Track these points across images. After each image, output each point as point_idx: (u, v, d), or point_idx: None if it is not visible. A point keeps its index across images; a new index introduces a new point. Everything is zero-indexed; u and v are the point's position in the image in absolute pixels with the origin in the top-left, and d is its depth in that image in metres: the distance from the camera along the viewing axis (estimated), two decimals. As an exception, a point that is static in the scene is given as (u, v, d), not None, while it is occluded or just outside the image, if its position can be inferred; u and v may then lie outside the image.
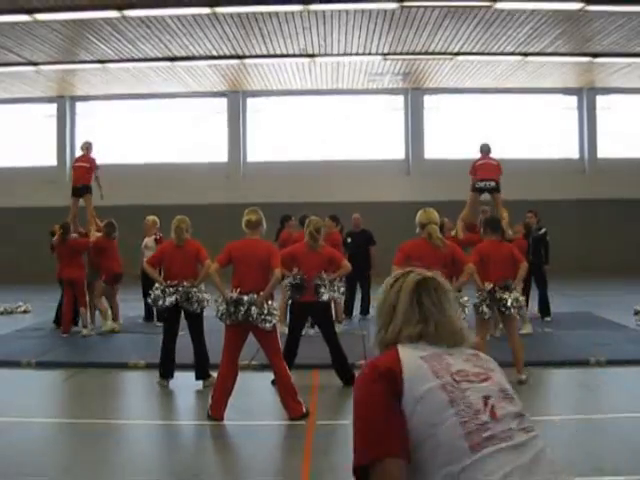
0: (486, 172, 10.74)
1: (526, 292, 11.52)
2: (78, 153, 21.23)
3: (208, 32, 14.81)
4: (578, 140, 21.89)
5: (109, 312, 11.06)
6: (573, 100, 21.90)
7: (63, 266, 10.85)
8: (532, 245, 11.41)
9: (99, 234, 11.28)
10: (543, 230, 11.66)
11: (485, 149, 10.97)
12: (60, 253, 10.94)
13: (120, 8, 12.82)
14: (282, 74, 19.27)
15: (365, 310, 12.38)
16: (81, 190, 11.98)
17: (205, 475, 5.02)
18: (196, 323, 7.58)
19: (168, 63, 17.29)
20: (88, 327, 10.76)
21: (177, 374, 7.79)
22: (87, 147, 12.18)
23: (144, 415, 7.00)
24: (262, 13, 13.59)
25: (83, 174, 11.95)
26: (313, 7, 13.13)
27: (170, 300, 7.37)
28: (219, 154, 21.81)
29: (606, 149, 21.59)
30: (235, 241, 6.58)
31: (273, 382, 7.45)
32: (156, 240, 11.43)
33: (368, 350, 8.73)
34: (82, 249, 11.11)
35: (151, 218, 11.75)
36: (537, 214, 11.82)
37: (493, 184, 10.69)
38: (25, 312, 13.69)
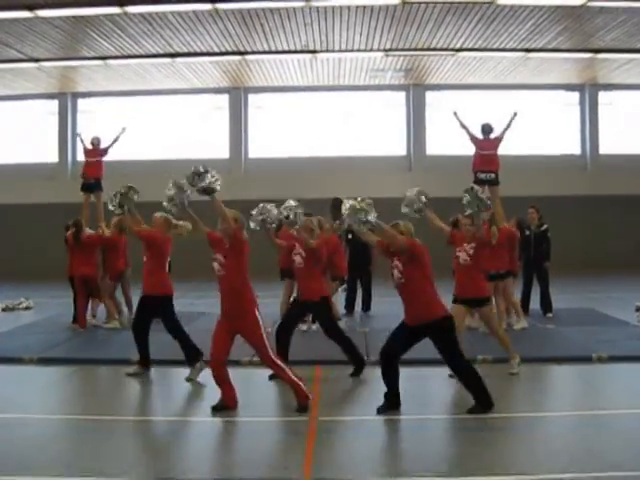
0: (486, 164, 10.79)
1: (527, 288, 11.58)
2: (80, 150, 21.28)
3: (209, 28, 14.79)
4: (580, 136, 21.84)
5: (117, 309, 11.06)
6: (575, 96, 21.85)
7: (76, 264, 10.67)
8: (534, 241, 11.43)
9: (109, 230, 11.13)
10: (545, 226, 11.66)
11: (487, 129, 11.08)
12: (73, 250, 10.78)
13: (121, 4, 12.83)
14: (284, 70, 19.25)
15: (367, 306, 12.38)
16: (93, 186, 12.06)
17: (207, 470, 5.02)
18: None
19: (169, 59, 17.29)
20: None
21: (177, 370, 7.80)
22: (98, 142, 12.27)
23: (146, 411, 7.02)
24: (263, 9, 13.58)
25: (95, 168, 12.06)
26: (315, 3, 13.12)
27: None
28: (220, 150, 21.77)
29: (608, 145, 21.55)
30: None
31: (270, 377, 7.45)
32: None
33: (370, 346, 8.72)
34: (96, 245, 10.99)
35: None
36: (539, 210, 11.81)
37: (493, 176, 10.75)
38: (27, 309, 13.68)
